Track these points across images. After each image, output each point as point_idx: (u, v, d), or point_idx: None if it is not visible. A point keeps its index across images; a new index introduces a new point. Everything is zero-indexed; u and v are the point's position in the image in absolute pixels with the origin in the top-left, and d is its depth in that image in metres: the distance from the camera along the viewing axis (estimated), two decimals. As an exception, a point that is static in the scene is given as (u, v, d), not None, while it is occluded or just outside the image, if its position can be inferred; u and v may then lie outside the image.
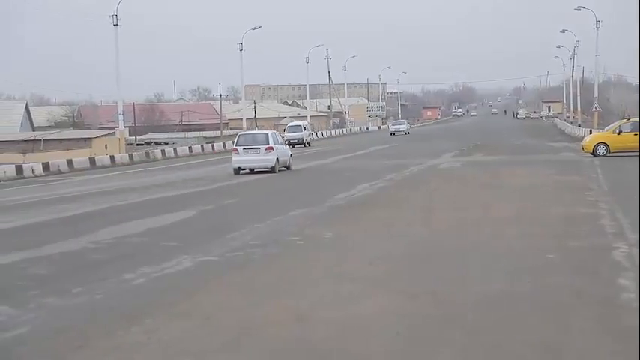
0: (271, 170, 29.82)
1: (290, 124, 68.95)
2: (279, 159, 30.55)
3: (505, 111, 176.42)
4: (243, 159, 30.15)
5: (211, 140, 71.41)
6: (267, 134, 31.98)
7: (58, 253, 11.80)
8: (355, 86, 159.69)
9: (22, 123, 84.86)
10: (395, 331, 6.79)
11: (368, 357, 6.20)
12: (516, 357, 6.08)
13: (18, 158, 53.76)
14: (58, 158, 46.98)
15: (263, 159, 30.01)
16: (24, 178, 38.43)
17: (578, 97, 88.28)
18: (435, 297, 8.00)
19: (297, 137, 62.71)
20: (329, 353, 6.31)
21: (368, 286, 8.60)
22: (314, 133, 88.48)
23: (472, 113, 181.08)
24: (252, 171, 29.93)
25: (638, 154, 29.91)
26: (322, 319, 7.26)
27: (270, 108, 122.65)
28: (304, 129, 64.64)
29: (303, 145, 61.07)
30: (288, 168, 31.51)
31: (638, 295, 7.68)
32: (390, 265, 9.93)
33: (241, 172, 29.81)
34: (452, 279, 8.84)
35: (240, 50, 73.67)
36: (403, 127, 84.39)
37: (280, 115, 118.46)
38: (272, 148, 30.18)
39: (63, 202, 21.42)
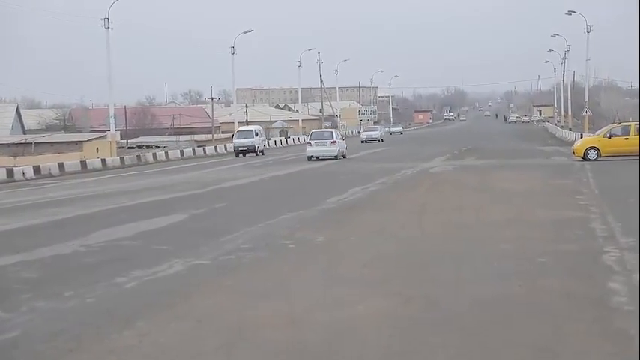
0: (334, 158, 40.30)
1: (239, 129, 58.19)
2: (340, 150, 41.41)
3: (496, 115, 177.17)
4: (314, 149, 40.90)
5: (203, 144, 71.35)
6: (331, 132, 44.46)
7: (49, 257, 11.76)
8: (347, 90, 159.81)
9: (12, 126, 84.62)
10: (388, 333, 6.81)
11: (361, 360, 6.21)
12: (511, 359, 6.11)
13: (9, 161, 53.65)
14: (49, 161, 46.88)
15: (329, 150, 40.81)
16: (14, 181, 38.32)
17: (569, 101, 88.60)
18: (429, 300, 8.01)
19: (246, 144, 53.19)
20: (322, 356, 6.31)
21: (361, 289, 8.60)
22: (306, 137, 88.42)
23: (462, 118, 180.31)
24: (317, 158, 40.08)
25: (628, 158, 30.12)
26: (316, 322, 7.26)
27: (261, 111, 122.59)
28: (256, 134, 54.60)
29: (254, 154, 52.28)
30: (344, 157, 41.80)
31: (633, 297, 7.71)
32: (383, 268, 9.94)
33: (311, 159, 40.08)
34: (445, 282, 8.85)
35: (232, 54, 73.69)
36: (376, 134, 76.16)
37: (272, 119, 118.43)
38: (335, 142, 41.35)
39: (54, 205, 21.36)
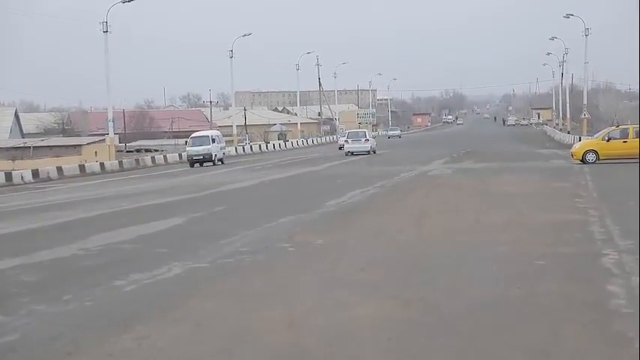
0: (367, 153, 48.69)
1: (193, 135, 49.07)
2: (371, 146, 49.71)
3: (495, 118, 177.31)
4: (351, 146, 49.15)
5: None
6: (365, 132, 53.58)
7: (49, 260, 11.77)
8: (346, 93, 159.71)
9: (11, 130, 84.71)
10: (387, 337, 6.81)
11: (360, 363, 6.21)
12: (508, 363, 6.11)
13: (7, 165, 53.68)
14: (47, 165, 46.98)
15: (363, 146, 49.18)
16: (13, 185, 38.35)
17: (568, 104, 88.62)
18: (427, 303, 8.02)
19: (202, 153, 46.10)
20: (322, 359, 6.32)
21: (360, 292, 8.60)
22: (304, 140, 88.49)
23: (459, 122, 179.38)
24: (352, 153, 47.92)
25: (627, 161, 30.13)
26: (315, 326, 7.26)
27: (260, 115, 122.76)
28: (213, 140, 47.30)
29: (212, 163, 45.85)
30: (374, 152, 49.62)
31: (632, 300, 7.71)
32: (381, 271, 9.94)
33: (348, 154, 48.02)
34: (443, 285, 8.85)
35: (231, 57, 73.71)
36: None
37: (271, 122, 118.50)
38: (368, 140, 49.99)
39: (53, 208, 21.36)
